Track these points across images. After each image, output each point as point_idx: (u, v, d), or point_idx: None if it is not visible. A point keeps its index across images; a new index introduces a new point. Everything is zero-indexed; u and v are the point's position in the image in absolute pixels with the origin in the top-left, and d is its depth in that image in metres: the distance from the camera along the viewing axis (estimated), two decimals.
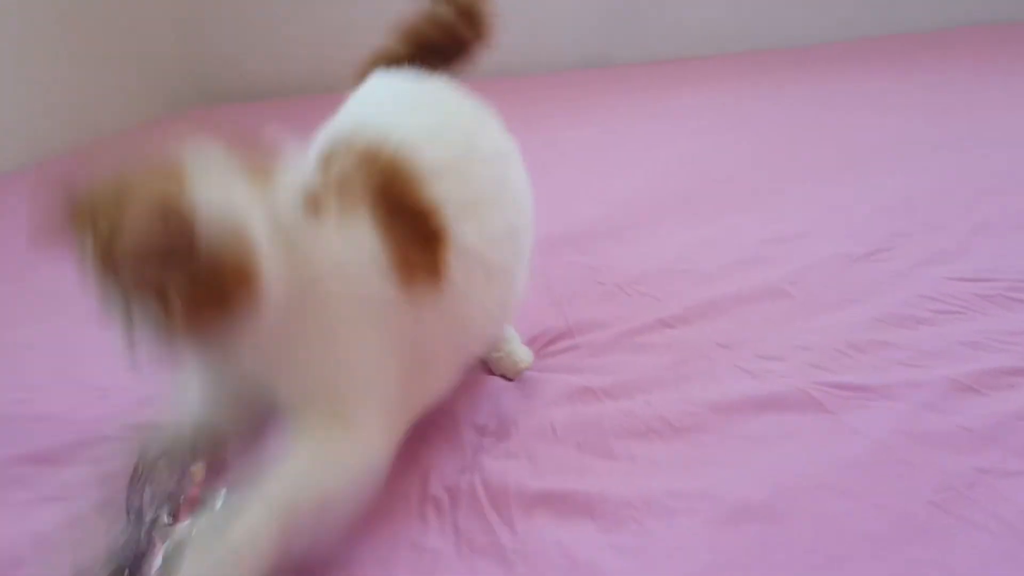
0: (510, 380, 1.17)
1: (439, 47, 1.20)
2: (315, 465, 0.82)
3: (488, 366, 1.20)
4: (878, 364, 1.13)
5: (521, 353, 1.19)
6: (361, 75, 1.20)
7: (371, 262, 0.85)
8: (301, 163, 0.89)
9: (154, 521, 0.86)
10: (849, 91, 2.75)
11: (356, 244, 0.85)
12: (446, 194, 0.92)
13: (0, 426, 1.25)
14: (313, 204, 0.84)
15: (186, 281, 0.74)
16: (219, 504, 0.84)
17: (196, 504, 0.88)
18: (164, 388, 1.30)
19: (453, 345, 0.97)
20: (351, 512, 0.84)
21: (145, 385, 1.32)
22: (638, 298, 1.41)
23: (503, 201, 1.02)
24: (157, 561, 0.80)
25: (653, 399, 1.08)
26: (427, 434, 1.03)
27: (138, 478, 0.91)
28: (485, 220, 0.97)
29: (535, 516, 0.90)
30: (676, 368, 1.16)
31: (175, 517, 0.86)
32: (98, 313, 0.81)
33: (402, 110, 1.05)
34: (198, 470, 0.91)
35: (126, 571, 0.81)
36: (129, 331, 0.79)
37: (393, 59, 1.20)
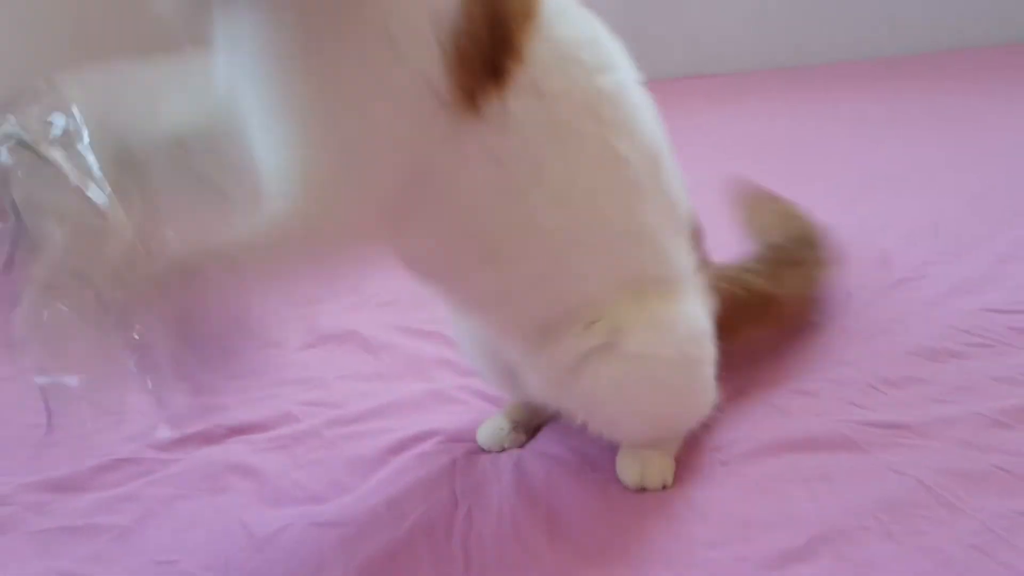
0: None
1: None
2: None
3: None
4: (912, 400, 1.12)
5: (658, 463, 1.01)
6: None
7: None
8: None
9: None
10: (871, 110, 2.72)
11: None
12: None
13: (16, 452, 1.25)
14: None
15: None
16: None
17: None
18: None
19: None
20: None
21: (162, 411, 1.32)
22: None
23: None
24: None
25: None
26: None
27: None
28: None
29: None
30: None
31: None
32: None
33: None
34: None
35: None
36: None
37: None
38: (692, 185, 2.18)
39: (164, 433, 1.12)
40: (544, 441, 1.11)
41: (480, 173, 0.80)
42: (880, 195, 1.92)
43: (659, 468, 1.00)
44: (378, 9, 0.70)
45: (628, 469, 0.99)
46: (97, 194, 0.68)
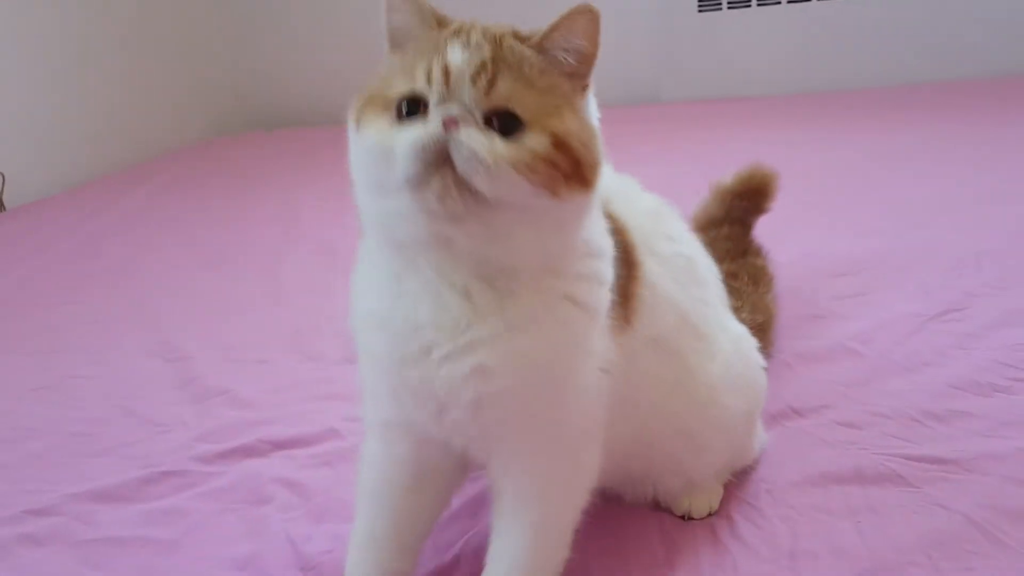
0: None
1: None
2: None
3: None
4: (956, 434, 1.12)
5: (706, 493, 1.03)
6: None
7: None
8: None
9: None
10: (912, 137, 2.70)
11: None
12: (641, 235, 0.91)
13: (64, 461, 1.26)
14: None
15: None
16: None
17: None
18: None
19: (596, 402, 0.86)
20: None
21: (204, 420, 1.34)
22: None
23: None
24: None
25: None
26: None
27: None
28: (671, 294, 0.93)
29: None
30: None
31: None
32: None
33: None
34: None
35: None
36: None
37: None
38: None
39: None
40: None
41: (642, 368, 0.88)
42: (923, 225, 1.91)
43: (707, 497, 1.00)
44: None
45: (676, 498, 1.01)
46: None
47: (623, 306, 0.84)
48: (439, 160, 0.69)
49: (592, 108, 0.81)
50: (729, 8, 3.64)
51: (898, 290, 1.57)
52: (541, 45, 0.76)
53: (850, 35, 3.55)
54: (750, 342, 1.06)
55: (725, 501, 1.02)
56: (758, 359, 1.06)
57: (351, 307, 0.85)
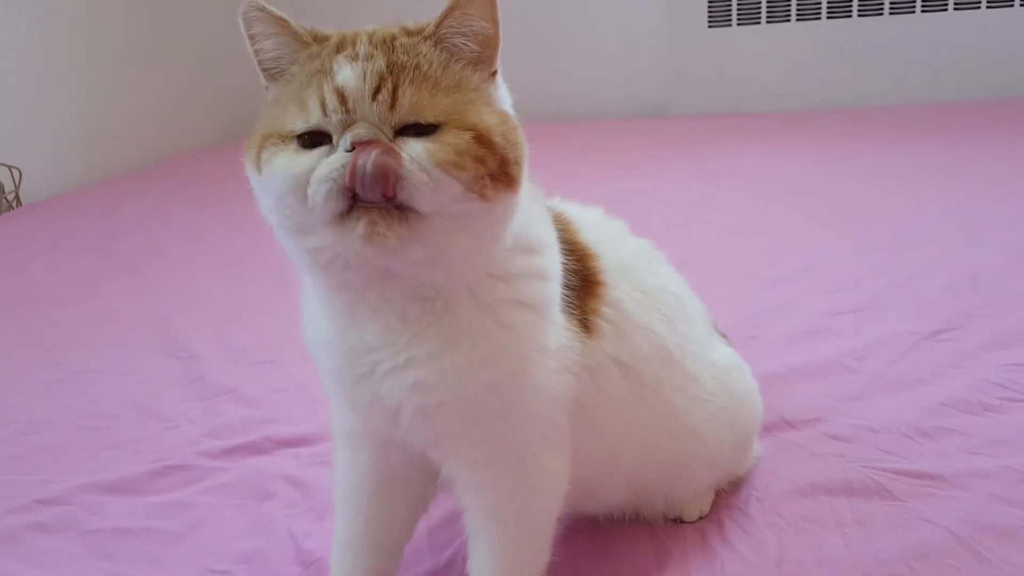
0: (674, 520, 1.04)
1: None
2: None
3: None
4: (945, 451, 1.14)
5: (698, 498, 1.04)
6: None
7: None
8: None
9: None
10: (913, 158, 2.73)
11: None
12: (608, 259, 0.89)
13: (74, 453, 1.30)
14: None
15: None
16: None
17: None
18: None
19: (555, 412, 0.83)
20: None
21: (210, 418, 1.37)
22: None
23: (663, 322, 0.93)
24: None
25: None
26: None
27: None
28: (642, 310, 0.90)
29: None
30: None
31: None
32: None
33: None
34: None
35: None
36: None
37: None
38: (730, 227, 2.23)
39: None
40: None
41: (607, 388, 0.86)
42: (921, 244, 1.94)
43: (698, 501, 1.03)
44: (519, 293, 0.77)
45: None
46: None
47: (578, 317, 0.83)
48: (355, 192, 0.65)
49: (504, 95, 0.76)
50: (739, 25, 3.67)
51: (894, 308, 1.59)
52: (437, 35, 0.71)
53: (857, 54, 3.58)
54: (740, 369, 1.06)
55: (716, 506, 1.04)
56: (750, 385, 1.06)
57: (303, 325, 0.83)
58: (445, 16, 0.71)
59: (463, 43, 0.71)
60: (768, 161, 2.89)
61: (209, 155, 3.63)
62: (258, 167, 0.71)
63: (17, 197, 2.95)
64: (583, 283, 0.84)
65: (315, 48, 0.72)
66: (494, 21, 0.71)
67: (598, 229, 0.91)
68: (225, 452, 1.26)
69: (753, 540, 0.98)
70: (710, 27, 3.69)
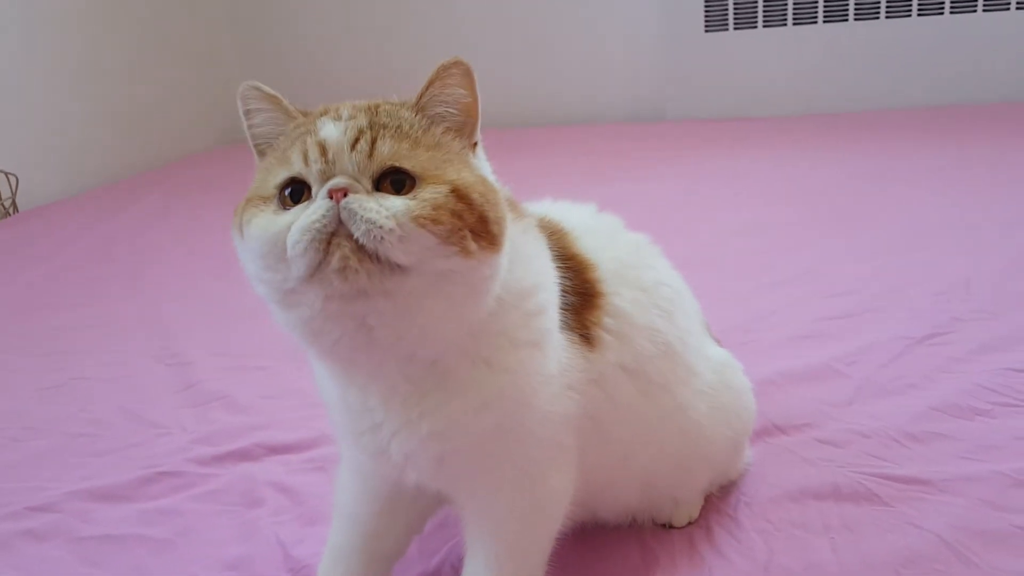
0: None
1: None
2: None
3: None
4: (934, 456, 1.14)
5: (687, 504, 1.04)
6: None
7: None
8: None
9: None
10: (910, 162, 2.73)
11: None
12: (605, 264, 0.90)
13: (66, 459, 1.30)
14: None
15: None
16: None
17: None
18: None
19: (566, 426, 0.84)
20: None
21: (202, 424, 1.37)
22: None
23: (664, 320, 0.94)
24: None
25: None
26: None
27: None
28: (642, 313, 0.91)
29: None
30: None
31: None
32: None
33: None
34: None
35: None
36: None
37: None
38: (725, 231, 2.23)
39: None
40: None
41: (616, 396, 0.87)
42: (916, 249, 1.94)
43: (687, 507, 1.03)
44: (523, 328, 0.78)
45: None
46: None
47: (579, 332, 0.84)
48: (334, 236, 0.65)
49: (484, 165, 0.78)
50: (736, 29, 3.67)
51: (887, 313, 1.59)
52: (419, 105, 0.74)
53: (855, 57, 3.58)
54: (734, 367, 1.06)
55: (705, 511, 1.04)
56: (744, 383, 1.07)
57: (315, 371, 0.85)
58: (427, 86, 0.74)
59: (444, 111, 0.74)
60: (764, 165, 2.89)
61: (206, 161, 3.64)
62: (241, 230, 0.72)
63: (14, 203, 2.95)
64: (582, 298, 0.85)
65: (301, 119, 0.75)
66: (472, 90, 0.74)
67: (592, 233, 0.92)
68: (215, 459, 1.26)
69: (742, 546, 0.98)
70: (707, 31, 3.69)
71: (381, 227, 0.65)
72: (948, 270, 1.77)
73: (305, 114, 0.76)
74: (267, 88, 0.77)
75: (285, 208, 0.69)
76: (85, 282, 2.19)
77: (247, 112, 0.77)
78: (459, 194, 0.69)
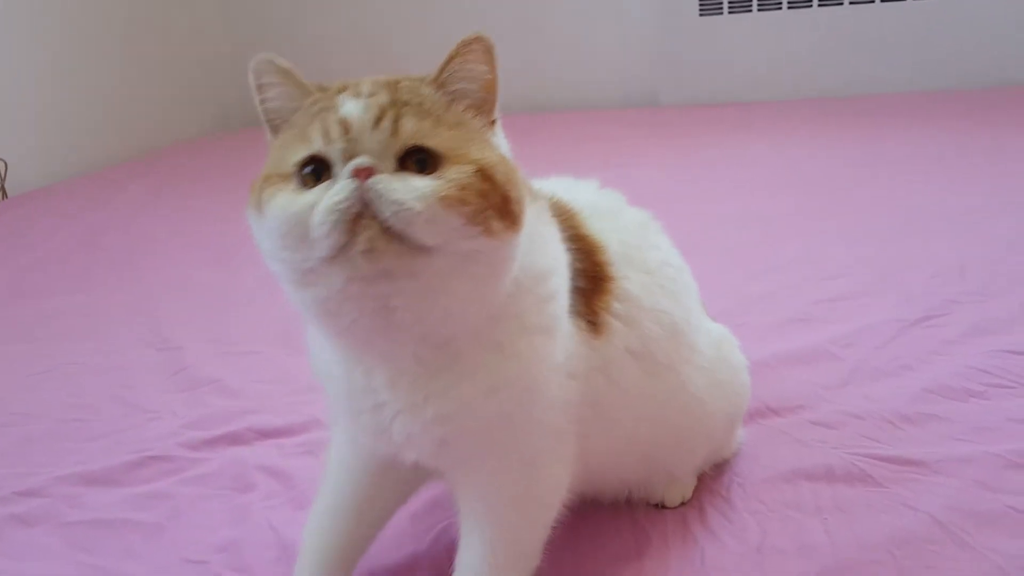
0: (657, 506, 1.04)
1: None
2: None
3: None
4: (928, 437, 1.14)
5: (680, 483, 1.04)
6: None
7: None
8: None
9: None
10: (904, 147, 2.72)
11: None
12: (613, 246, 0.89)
13: (56, 445, 1.29)
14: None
15: None
16: None
17: None
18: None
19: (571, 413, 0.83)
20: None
21: (193, 409, 1.36)
22: None
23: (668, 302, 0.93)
24: None
25: None
26: None
27: None
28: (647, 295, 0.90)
29: None
30: None
31: None
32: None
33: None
34: None
35: None
36: None
37: None
38: (720, 216, 2.22)
39: None
40: None
41: (622, 381, 0.86)
42: (910, 233, 1.93)
43: (681, 487, 1.03)
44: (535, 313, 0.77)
45: None
46: None
47: (587, 318, 0.83)
48: (359, 217, 0.64)
49: (503, 143, 0.78)
50: (730, 13, 3.66)
51: (881, 296, 1.59)
52: (439, 81, 0.73)
53: (849, 42, 3.57)
54: (731, 343, 1.07)
55: (698, 492, 1.04)
56: (740, 360, 1.07)
57: (310, 352, 0.84)
58: (447, 62, 0.72)
59: (464, 87, 0.73)
60: (758, 150, 2.88)
61: (195, 148, 3.62)
62: (259, 208, 0.70)
63: (3, 189, 2.93)
64: (592, 282, 0.84)
65: (318, 95, 0.73)
66: (493, 67, 0.73)
67: (598, 212, 0.91)
68: (206, 443, 1.25)
69: (734, 526, 0.98)
70: (701, 15, 3.68)
71: (409, 209, 0.64)
72: (942, 254, 1.77)
73: (322, 89, 0.74)
74: (282, 61, 0.74)
75: (305, 187, 0.68)
76: (75, 269, 2.18)
77: (260, 86, 0.75)
78: (484, 174, 0.69)
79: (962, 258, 1.72)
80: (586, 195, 0.94)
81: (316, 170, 0.68)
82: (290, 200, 0.67)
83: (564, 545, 0.95)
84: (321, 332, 0.76)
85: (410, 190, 0.65)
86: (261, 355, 1.56)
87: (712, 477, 1.07)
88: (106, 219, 2.60)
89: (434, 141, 0.69)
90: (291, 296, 0.72)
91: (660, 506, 1.02)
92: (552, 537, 0.87)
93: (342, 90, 0.72)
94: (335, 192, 0.65)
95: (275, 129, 0.76)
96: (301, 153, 0.69)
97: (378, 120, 0.68)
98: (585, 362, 0.82)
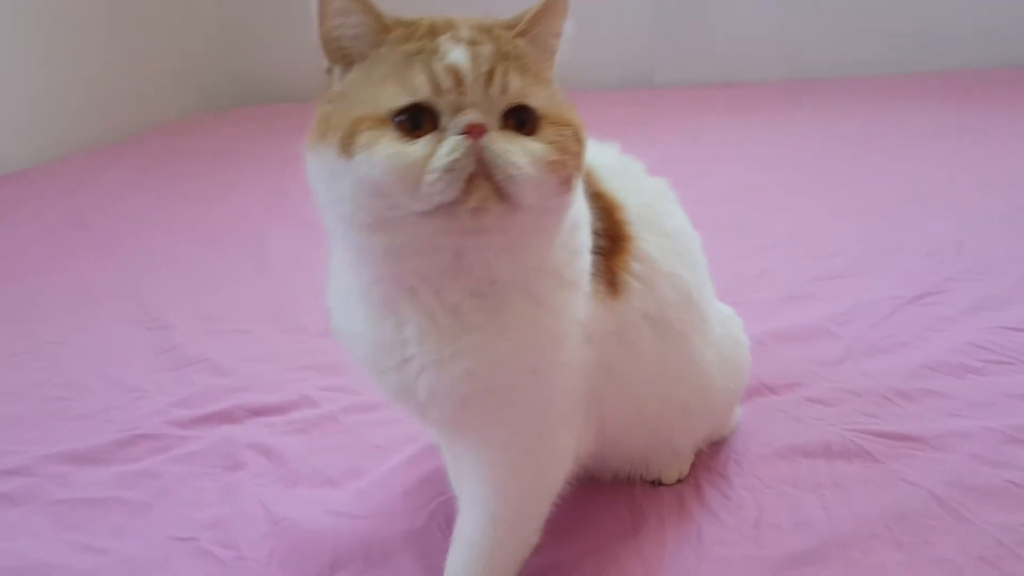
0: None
1: None
2: None
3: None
4: (926, 413, 1.13)
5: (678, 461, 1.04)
6: None
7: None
8: None
9: None
10: (900, 127, 2.72)
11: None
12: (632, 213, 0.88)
13: (42, 423, 1.27)
14: None
15: None
16: None
17: None
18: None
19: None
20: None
21: (182, 387, 1.35)
22: None
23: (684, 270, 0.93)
24: None
25: None
26: None
27: None
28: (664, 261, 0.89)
29: None
30: None
31: None
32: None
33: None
34: None
35: None
36: None
37: None
38: (716, 196, 2.20)
39: None
40: None
41: (638, 344, 0.86)
42: (906, 212, 1.93)
43: (678, 464, 1.02)
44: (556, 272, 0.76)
45: None
46: None
47: (606, 278, 0.82)
48: (474, 176, 0.63)
49: None
50: None
51: (877, 274, 1.58)
52: (529, 33, 0.71)
53: (845, 22, 3.56)
54: (736, 322, 1.07)
55: (694, 469, 1.03)
56: (744, 339, 1.06)
57: (330, 312, 0.82)
58: (538, 15, 0.71)
59: (548, 42, 0.73)
60: (754, 130, 2.87)
61: (180, 129, 3.58)
62: (350, 152, 0.65)
63: None
64: (611, 241, 0.83)
65: (403, 30, 0.69)
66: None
67: (617, 173, 0.90)
68: (195, 421, 1.23)
69: (731, 503, 0.97)
70: None
71: (526, 174, 0.64)
72: (939, 232, 1.76)
73: (405, 25, 0.70)
74: None
75: (404, 134, 0.65)
76: (59, 248, 2.15)
77: (326, 12, 0.69)
78: (577, 136, 0.70)
79: (959, 236, 1.72)
80: (607, 157, 0.93)
81: (414, 116, 0.65)
82: (399, 152, 0.64)
83: (562, 523, 0.94)
84: (369, 275, 0.73)
85: (525, 153, 0.65)
86: (250, 333, 1.54)
87: (708, 454, 1.06)
88: (92, 199, 2.57)
89: (536, 101, 0.68)
90: (349, 241, 0.71)
91: (657, 483, 1.01)
92: (550, 516, 0.86)
93: (434, 30, 0.69)
94: (451, 149, 0.63)
95: (344, 59, 0.71)
96: (402, 99, 0.65)
97: (490, 73, 0.66)
98: (601, 324, 0.81)
